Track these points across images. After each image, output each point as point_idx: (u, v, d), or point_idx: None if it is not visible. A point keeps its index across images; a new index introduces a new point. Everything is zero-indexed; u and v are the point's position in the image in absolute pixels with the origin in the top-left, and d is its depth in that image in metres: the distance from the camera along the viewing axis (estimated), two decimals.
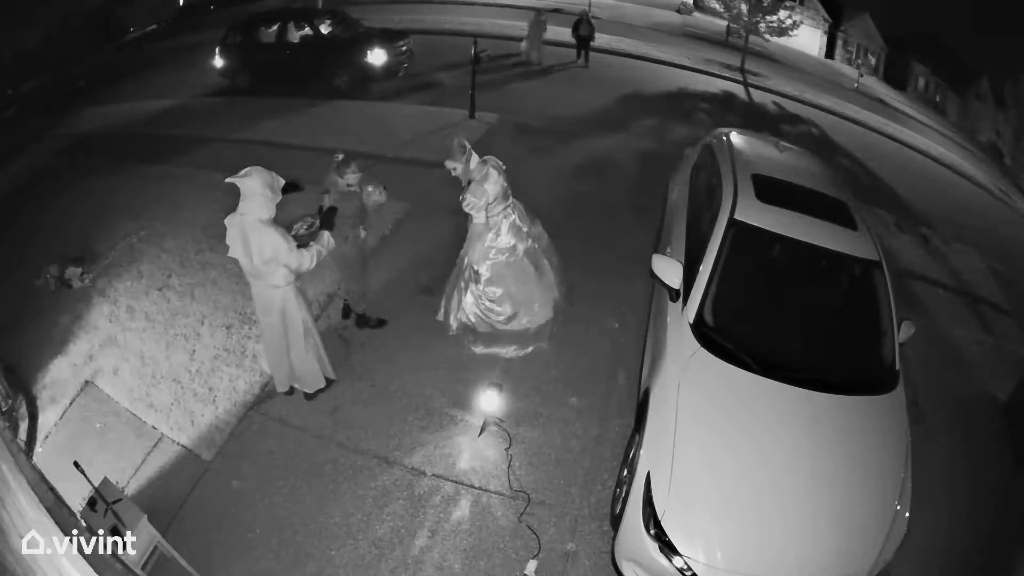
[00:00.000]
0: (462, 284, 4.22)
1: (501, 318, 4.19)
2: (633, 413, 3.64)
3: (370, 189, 4.15)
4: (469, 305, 4.21)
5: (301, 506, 3.31)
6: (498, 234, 3.98)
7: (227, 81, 10.36)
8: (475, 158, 3.83)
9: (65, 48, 14.47)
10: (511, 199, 4.01)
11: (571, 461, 3.60)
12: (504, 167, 3.93)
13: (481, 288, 4.12)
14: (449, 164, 3.83)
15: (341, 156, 3.79)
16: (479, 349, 4.23)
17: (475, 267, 4.06)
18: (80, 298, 4.96)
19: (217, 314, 4.67)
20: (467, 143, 3.85)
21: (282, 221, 3.34)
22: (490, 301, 4.16)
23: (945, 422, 4.34)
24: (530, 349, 4.23)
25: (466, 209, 3.84)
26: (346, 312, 4.54)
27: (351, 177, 3.73)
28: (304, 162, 6.61)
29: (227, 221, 3.24)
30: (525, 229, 4.09)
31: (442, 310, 4.39)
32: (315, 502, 3.32)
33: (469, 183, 3.83)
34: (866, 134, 13.77)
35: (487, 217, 3.86)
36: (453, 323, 4.30)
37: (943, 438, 4.12)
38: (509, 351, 4.20)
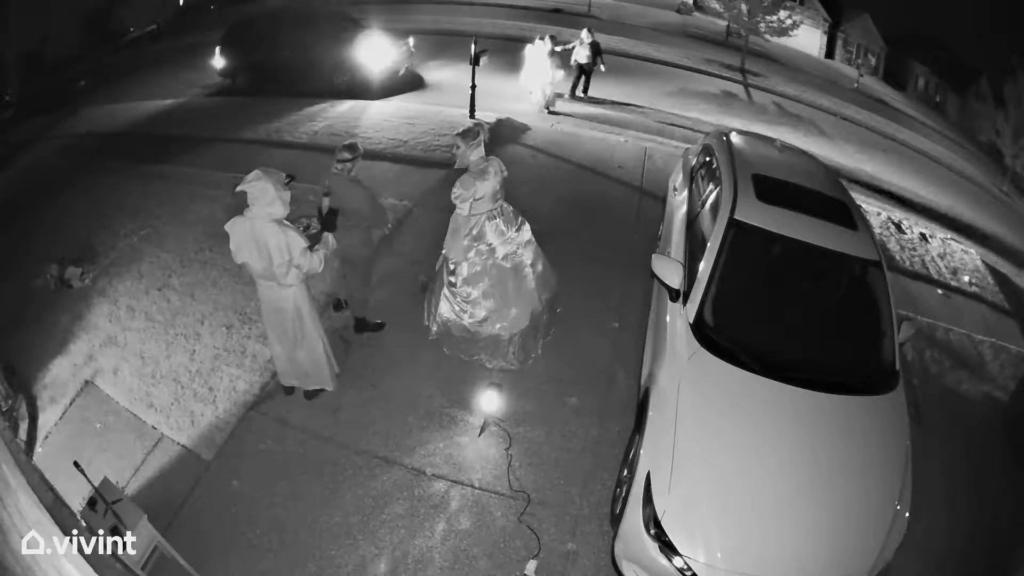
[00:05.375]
0: (437, 285, 4.19)
1: (474, 320, 4.09)
2: (633, 413, 3.64)
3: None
4: (445, 308, 4.15)
5: (301, 506, 3.31)
6: (480, 235, 3.90)
7: (227, 81, 10.36)
8: (481, 150, 3.76)
9: (65, 48, 14.46)
10: (500, 202, 3.93)
11: (571, 461, 3.60)
12: (505, 173, 3.88)
13: (456, 288, 4.06)
14: (457, 141, 3.74)
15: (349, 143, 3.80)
16: (463, 357, 4.18)
17: (451, 263, 4.01)
18: (80, 298, 4.95)
19: (217, 314, 4.67)
20: (485, 133, 3.78)
21: None
22: (464, 301, 4.07)
23: (945, 422, 4.34)
24: (514, 367, 4.13)
25: (452, 198, 3.78)
26: (337, 305, 4.54)
27: (343, 154, 3.71)
28: (304, 162, 6.64)
29: (230, 227, 3.19)
30: (509, 234, 4.00)
31: (425, 313, 4.37)
32: (315, 502, 3.32)
33: (464, 170, 3.79)
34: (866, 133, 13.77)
35: (469, 212, 3.81)
36: (433, 327, 4.26)
37: (943, 438, 4.13)
38: (495, 364, 4.13)
